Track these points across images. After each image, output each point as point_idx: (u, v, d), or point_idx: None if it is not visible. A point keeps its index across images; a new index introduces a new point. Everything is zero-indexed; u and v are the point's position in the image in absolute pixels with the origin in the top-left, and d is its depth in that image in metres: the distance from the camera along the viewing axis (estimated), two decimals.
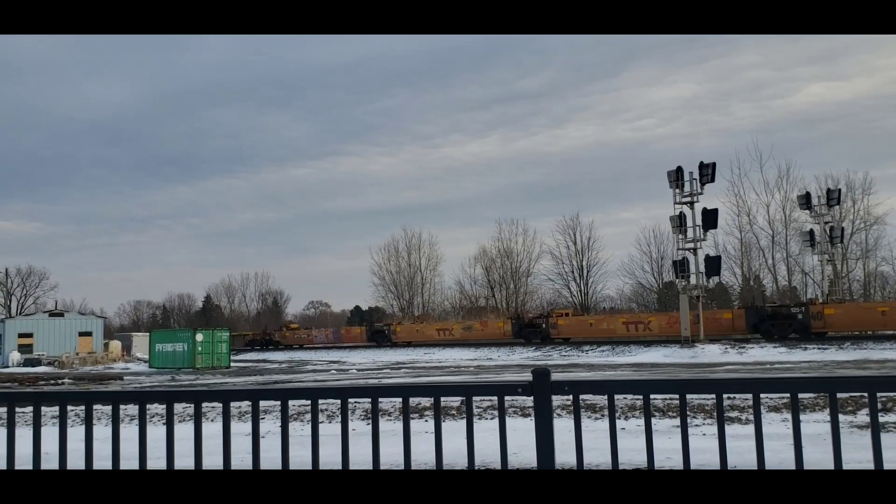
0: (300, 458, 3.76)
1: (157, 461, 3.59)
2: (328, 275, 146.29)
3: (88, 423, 3.52)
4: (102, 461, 3.61)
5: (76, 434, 3.69)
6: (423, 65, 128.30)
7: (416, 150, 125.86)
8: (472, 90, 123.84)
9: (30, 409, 3.68)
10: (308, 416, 3.52)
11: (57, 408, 3.55)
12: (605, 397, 3.41)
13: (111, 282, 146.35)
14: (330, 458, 3.86)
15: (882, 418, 12.30)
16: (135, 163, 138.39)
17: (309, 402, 3.53)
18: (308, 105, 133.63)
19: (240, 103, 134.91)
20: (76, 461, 3.54)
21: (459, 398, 3.59)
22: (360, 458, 4.11)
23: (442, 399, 3.38)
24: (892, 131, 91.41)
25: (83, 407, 3.62)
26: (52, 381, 34.44)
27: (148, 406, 3.61)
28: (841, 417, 12.06)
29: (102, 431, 3.79)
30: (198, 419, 3.46)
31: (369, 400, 3.47)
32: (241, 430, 4.71)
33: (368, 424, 3.56)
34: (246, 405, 3.64)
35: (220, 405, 3.57)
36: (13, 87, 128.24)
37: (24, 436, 3.67)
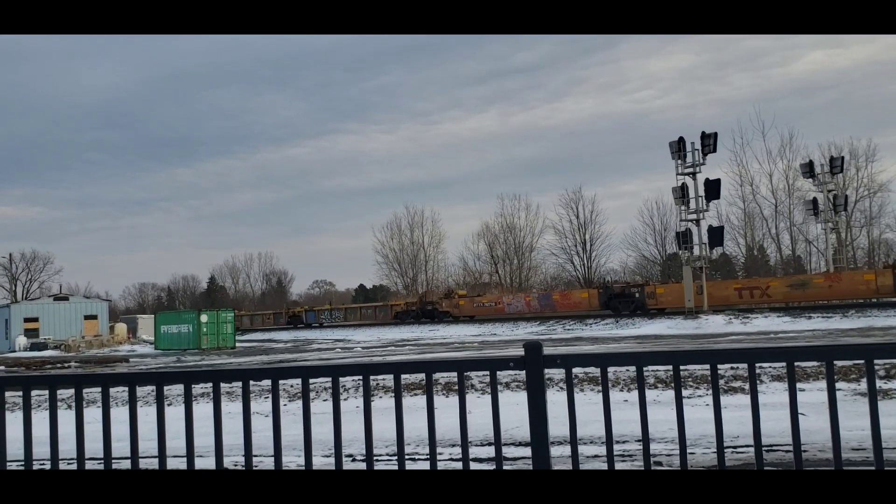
0: (294, 437, 3.75)
1: (149, 442, 3.58)
2: (331, 254, 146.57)
3: (79, 405, 3.50)
4: (96, 443, 3.60)
5: (69, 417, 3.68)
6: (417, 40, 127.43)
7: (414, 127, 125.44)
8: (468, 65, 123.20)
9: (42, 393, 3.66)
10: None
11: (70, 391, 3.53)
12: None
13: (115, 265, 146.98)
14: (323, 436, 3.84)
15: (887, 385, 12.29)
16: (133, 146, 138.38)
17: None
18: (304, 84, 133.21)
19: (235, 84, 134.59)
20: (68, 445, 3.52)
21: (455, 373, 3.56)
22: (355, 435, 4.09)
23: (445, 375, 3.35)
24: (893, 98, 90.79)
25: (99, 389, 3.61)
26: (59, 365, 34.62)
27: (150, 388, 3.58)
28: (845, 385, 12.12)
29: (117, 414, 3.76)
30: (188, 400, 3.44)
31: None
32: (236, 409, 4.69)
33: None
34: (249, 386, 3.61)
35: (236, 386, 3.54)
36: (8, 73, 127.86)
37: (19, 419, 3.67)
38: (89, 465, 3.55)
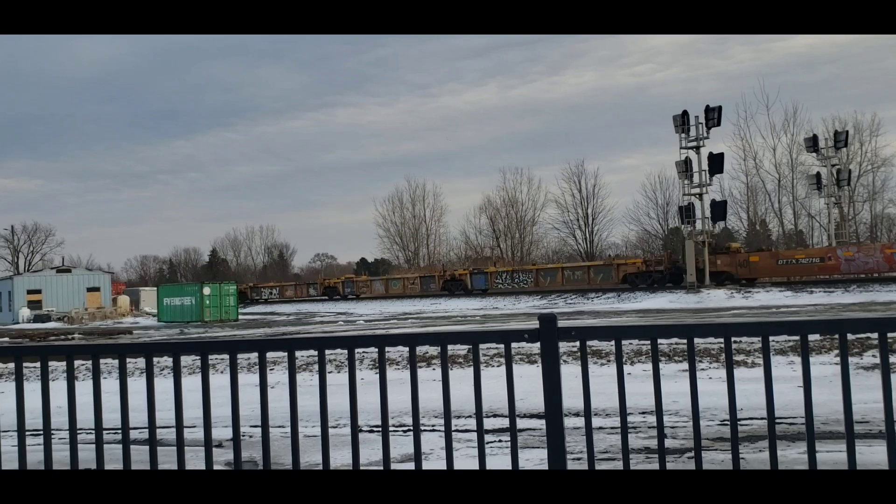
0: (309, 408, 3.78)
1: (166, 412, 3.61)
2: (332, 227, 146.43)
3: (96, 375, 3.53)
4: (112, 413, 3.64)
5: (84, 387, 3.71)
6: None
7: (412, 100, 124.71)
8: (467, 37, 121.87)
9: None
10: (317, 367, 3.54)
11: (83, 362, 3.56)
12: (612, 343, 3.39)
13: (116, 237, 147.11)
14: (338, 407, 3.88)
15: (890, 359, 12.36)
16: (131, 119, 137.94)
17: (316, 352, 3.53)
18: (301, 56, 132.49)
19: (233, 56, 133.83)
20: (86, 413, 3.56)
21: (467, 346, 3.58)
22: (369, 407, 4.12)
23: (449, 347, 3.37)
24: (894, 72, 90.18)
25: (116, 361, 3.64)
26: (63, 337, 34.78)
27: (163, 360, 3.61)
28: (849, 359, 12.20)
29: (115, 384, 3.79)
30: (205, 370, 3.47)
31: (377, 349, 3.47)
32: (250, 381, 4.72)
33: (377, 373, 3.56)
34: (255, 357, 3.64)
35: (243, 357, 3.56)
36: (5, 46, 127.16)
37: (35, 389, 3.70)
38: (107, 436, 3.59)
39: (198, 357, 3.60)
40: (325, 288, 68.73)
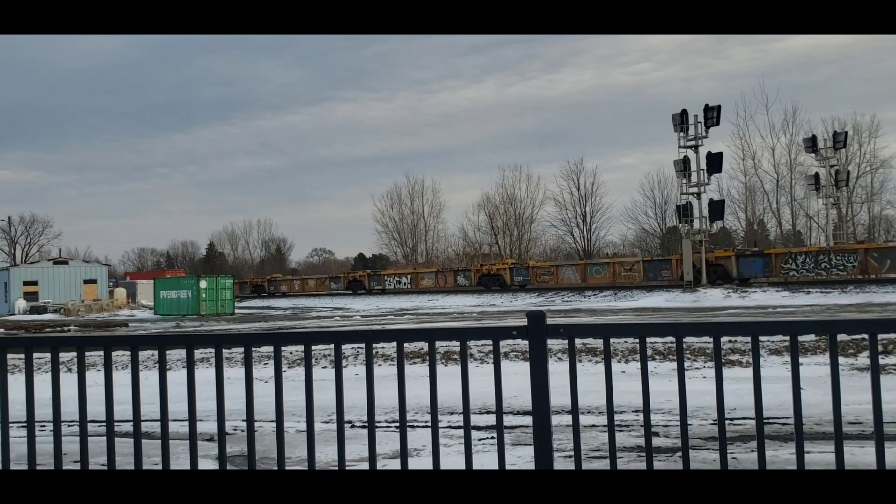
0: (292, 403, 3.76)
1: (150, 406, 3.59)
2: (330, 222, 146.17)
3: (81, 367, 3.50)
4: (97, 406, 3.61)
5: (70, 380, 3.68)
6: None
7: (411, 95, 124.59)
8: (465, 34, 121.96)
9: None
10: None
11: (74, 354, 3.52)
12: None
13: (114, 230, 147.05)
14: (325, 403, 3.86)
15: (882, 360, 12.36)
16: (130, 111, 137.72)
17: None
18: (300, 51, 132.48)
19: (231, 50, 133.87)
20: (70, 408, 3.53)
21: (459, 343, 3.55)
22: (361, 402, 4.10)
23: (444, 345, 3.34)
24: (893, 74, 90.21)
25: (98, 353, 3.61)
26: (59, 329, 34.74)
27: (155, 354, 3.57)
28: (842, 360, 12.20)
29: (118, 377, 3.76)
30: (190, 364, 3.44)
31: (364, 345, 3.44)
32: (241, 375, 4.68)
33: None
34: (258, 351, 3.62)
35: (236, 352, 3.53)
36: (3, 36, 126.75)
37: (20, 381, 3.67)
38: (91, 428, 3.56)
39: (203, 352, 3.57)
40: (482, 276, 56.27)
